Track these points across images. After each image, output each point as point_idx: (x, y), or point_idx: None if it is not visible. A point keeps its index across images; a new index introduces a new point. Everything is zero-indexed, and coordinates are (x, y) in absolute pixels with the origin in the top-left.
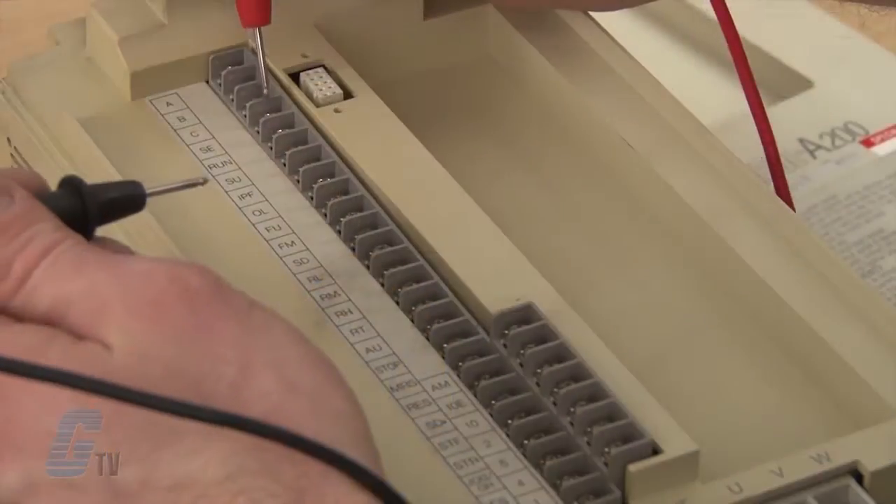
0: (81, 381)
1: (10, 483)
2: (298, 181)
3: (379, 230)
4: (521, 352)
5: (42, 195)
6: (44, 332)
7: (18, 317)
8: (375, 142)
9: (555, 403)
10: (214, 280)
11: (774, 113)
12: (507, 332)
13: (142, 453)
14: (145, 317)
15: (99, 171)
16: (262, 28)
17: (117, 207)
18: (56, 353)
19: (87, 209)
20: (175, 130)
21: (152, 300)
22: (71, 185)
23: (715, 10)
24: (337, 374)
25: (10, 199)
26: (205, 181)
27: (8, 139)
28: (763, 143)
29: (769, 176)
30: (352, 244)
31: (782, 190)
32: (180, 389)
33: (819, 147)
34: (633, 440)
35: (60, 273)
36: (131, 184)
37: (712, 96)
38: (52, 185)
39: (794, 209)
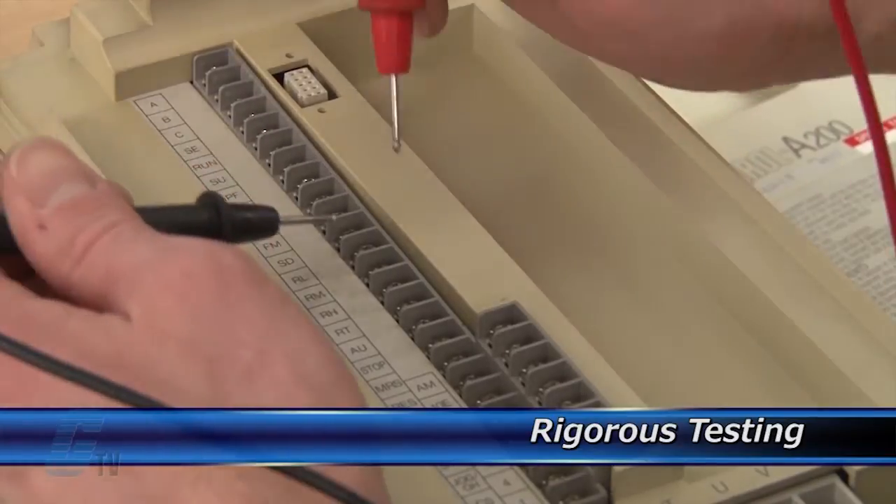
0: (83, 376)
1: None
2: (283, 181)
3: (364, 230)
4: (507, 351)
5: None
6: (65, 306)
7: (77, 290)
8: (360, 142)
9: (540, 403)
10: (249, 263)
11: (759, 112)
12: (492, 331)
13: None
14: (174, 289)
15: None
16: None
17: (251, 228)
18: (75, 325)
19: (222, 225)
20: (160, 131)
21: (185, 271)
22: (210, 201)
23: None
24: (351, 381)
25: (90, 185)
26: (336, 217)
27: None
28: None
29: (753, 174)
30: (337, 244)
31: None
32: (192, 369)
33: (804, 146)
34: None
35: (115, 249)
36: (266, 209)
37: (697, 95)
38: None
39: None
